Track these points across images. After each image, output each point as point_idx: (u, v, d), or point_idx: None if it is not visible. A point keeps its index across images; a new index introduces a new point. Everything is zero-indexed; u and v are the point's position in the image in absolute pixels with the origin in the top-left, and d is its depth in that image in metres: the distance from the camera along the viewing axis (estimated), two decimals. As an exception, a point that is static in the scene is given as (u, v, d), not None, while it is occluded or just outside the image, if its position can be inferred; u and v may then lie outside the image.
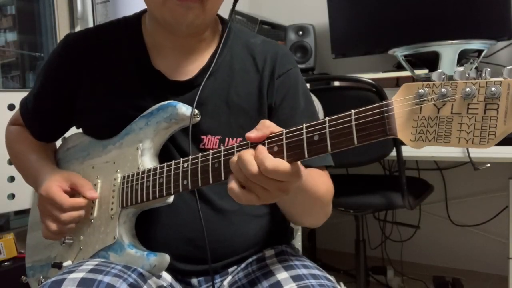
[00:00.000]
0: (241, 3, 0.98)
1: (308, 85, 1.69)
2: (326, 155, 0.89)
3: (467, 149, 1.34)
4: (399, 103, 0.54)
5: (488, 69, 0.50)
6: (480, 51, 1.51)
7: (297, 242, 1.12)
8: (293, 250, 0.94)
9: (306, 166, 0.75)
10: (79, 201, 0.86)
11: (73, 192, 0.88)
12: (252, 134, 0.65)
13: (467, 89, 0.50)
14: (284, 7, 2.43)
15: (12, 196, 1.54)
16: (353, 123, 0.57)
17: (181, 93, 0.86)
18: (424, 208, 2.16)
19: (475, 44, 1.47)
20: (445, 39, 1.48)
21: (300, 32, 2.11)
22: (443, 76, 0.53)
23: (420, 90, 0.53)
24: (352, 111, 0.58)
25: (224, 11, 0.93)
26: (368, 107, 0.57)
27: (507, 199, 1.51)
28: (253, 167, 0.61)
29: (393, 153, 1.45)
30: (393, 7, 1.94)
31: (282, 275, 0.79)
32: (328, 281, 0.78)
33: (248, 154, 0.62)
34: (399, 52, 1.63)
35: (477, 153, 1.34)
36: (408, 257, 2.22)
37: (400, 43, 1.64)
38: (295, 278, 0.77)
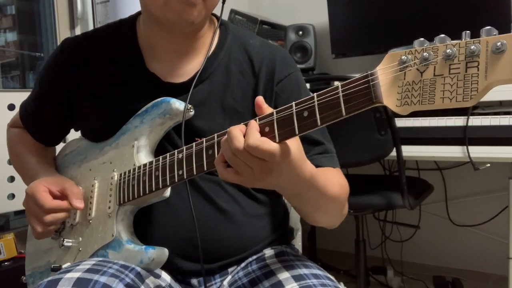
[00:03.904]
0: (241, 3, 0.99)
1: (308, 85, 1.69)
2: (333, 157, 0.89)
3: (467, 149, 1.34)
4: (383, 71, 0.56)
5: (468, 32, 0.52)
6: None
7: (297, 242, 1.12)
8: (293, 250, 0.94)
9: (317, 166, 0.75)
10: (61, 203, 0.86)
11: (63, 197, 0.88)
12: (263, 101, 0.66)
13: (448, 51, 0.52)
14: (284, 7, 2.43)
15: (12, 196, 1.54)
16: (340, 94, 0.59)
17: (177, 95, 0.86)
18: (424, 208, 2.16)
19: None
20: (445, 39, 1.48)
21: (300, 32, 2.11)
22: (425, 44, 0.54)
23: (403, 57, 0.55)
24: (339, 84, 0.59)
25: (224, 11, 0.93)
26: (354, 78, 0.58)
27: (507, 199, 1.51)
28: (238, 142, 0.62)
29: (393, 153, 1.44)
30: (393, 7, 1.94)
31: (283, 275, 0.78)
32: (330, 281, 0.78)
33: (236, 130, 0.63)
34: (399, 52, 1.63)
35: (477, 153, 1.34)
36: (408, 257, 2.22)
37: (400, 43, 1.65)
38: (297, 278, 0.77)
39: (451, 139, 1.39)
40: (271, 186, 0.69)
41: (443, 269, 2.17)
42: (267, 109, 0.66)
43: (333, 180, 0.81)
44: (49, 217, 0.85)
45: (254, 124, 0.64)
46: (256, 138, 0.61)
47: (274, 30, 2.20)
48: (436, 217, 2.18)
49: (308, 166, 0.70)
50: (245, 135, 0.62)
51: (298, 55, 2.10)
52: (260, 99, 0.67)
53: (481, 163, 1.34)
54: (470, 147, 1.34)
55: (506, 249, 1.48)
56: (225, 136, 0.65)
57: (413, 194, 1.54)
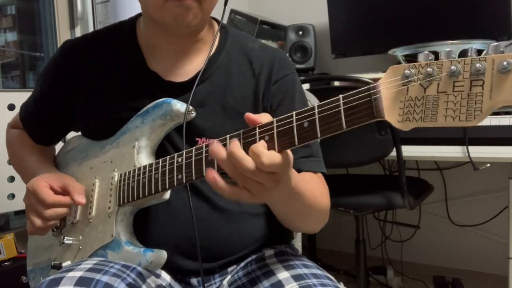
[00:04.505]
0: (241, 3, 0.99)
1: (308, 85, 1.69)
2: (318, 161, 0.90)
3: (467, 149, 1.34)
4: (386, 85, 0.55)
5: (474, 47, 0.51)
6: (480, 51, 1.51)
7: (297, 242, 1.12)
8: (293, 250, 0.94)
9: (299, 171, 0.76)
10: (62, 199, 0.86)
11: (64, 193, 0.88)
12: (253, 115, 0.65)
13: (453, 67, 0.50)
14: (284, 7, 2.43)
15: (12, 196, 1.54)
16: (342, 107, 0.58)
17: (177, 94, 0.86)
18: (424, 208, 2.16)
19: (475, 44, 1.47)
20: (445, 39, 1.48)
21: (300, 32, 2.11)
22: (430, 58, 0.53)
23: (406, 71, 0.53)
24: (340, 96, 0.58)
25: (220, 13, 0.93)
26: (356, 91, 0.57)
27: (507, 199, 1.51)
28: (249, 163, 0.60)
29: (393, 153, 1.45)
30: (393, 7, 1.94)
31: (283, 275, 0.79)
32: (329, 280, 0.78)
33: (239, 150, 0.62)
34: (399, 52, 1.63)
35: (477, 153, 1.34)
36: (408, 257, 2.22)
37: (400, 43, 1.64)
38: (297, 278, 0.77)
39: (451, 139, 1.39)
40: (274, 196, 0.68)
41: (443, 269, 2.17)
42: (262, 118, 0.65)
43: (313, 188, 0.82)
44: (50, 212, 0.85)
45: (260, 143, 0.62)
46: (267, 154, 0.60)
47: (274, 30, 2.20)
48: (436, 217, 2.18)
49: (294, 173, 0.71)
50: (252, 153, 0.61)
51: (298, 55, 2.10)
52: (249, 115, 0.65)
53: (481, 163, 1.34)
54: (470, 147, 1.34)
55: (506, 249, 1.48)
56: (223, 154, 0.63)
57: (413, 194, 1.54)
